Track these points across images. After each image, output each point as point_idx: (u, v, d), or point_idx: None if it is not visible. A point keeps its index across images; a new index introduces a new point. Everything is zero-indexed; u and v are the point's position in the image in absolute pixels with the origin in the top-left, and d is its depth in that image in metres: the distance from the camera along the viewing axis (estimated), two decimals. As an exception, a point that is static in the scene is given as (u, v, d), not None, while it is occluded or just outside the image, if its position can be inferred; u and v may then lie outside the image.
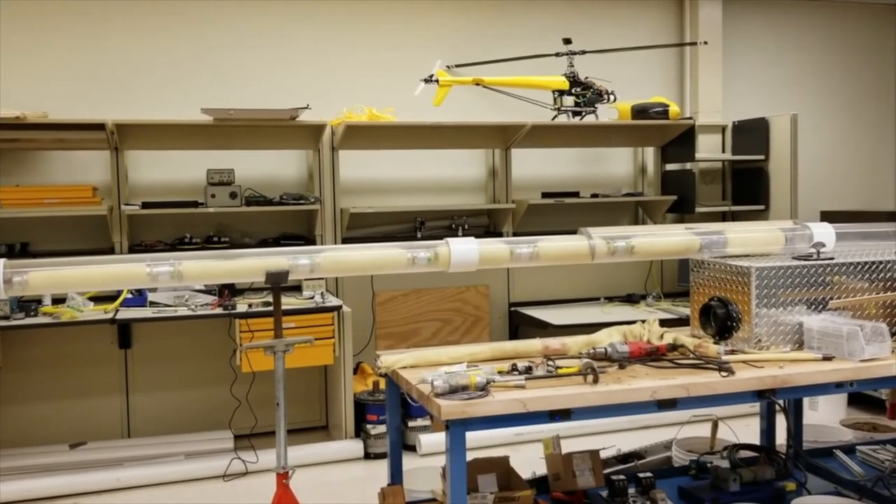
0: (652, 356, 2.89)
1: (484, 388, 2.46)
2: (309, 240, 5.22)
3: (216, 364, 4.98)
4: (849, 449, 3.85)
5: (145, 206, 4.86)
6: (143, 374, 5.03)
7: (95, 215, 4.81)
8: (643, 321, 3.24)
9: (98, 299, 4.63)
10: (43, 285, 2.66)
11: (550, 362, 2.73)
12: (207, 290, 4.79)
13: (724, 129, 6.25)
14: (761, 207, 6.00)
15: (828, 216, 5.95)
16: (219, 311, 4.56)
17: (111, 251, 4.84)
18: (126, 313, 4.55)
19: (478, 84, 5.24)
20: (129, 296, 4.65)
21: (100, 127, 4.70)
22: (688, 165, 5.93)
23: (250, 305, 4.60)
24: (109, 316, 4.46)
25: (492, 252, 2.98)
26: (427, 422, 4.81)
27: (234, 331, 4.48)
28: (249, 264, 2.80)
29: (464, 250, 2.92)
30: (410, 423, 4.78)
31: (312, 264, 2.83)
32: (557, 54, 5.48)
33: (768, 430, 3.80)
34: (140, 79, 5.10)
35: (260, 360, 4.22)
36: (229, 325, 4.67)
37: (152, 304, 4.68)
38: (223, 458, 4.47)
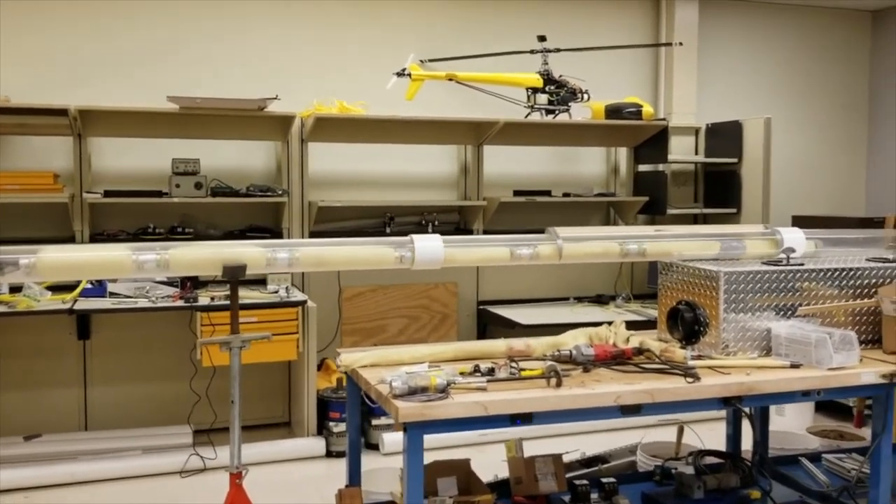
0: (617, 360, 2.84)
1: (444, 390, 2.40)
2: (276, 233, 5.13)
3: (176, 357, 4.87)
4: (815, 457, 3.83)
5: (108, 194, 4.74)
6: (102, 366, 4.91)
7: (56, 203, 4.68)
8: (610, 323, 3.19)
9: (56, 288, 4.50)
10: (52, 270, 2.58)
11: (514, 364, 2.67)
12: (169, 282, 4.68)
13: (697, 131, 6.24)
14: (733, 210, 6.00)
15: (799, 221, 5.96)
16: (180, 303, 4.46)
17: (72, 240, 4.72)
18: (85, 304, 4.43)
19: (451, 79, 5.18)
20: (89, 286, 4.52)
21: (63, 112, 4.56)
22: (660, 167, 5.91)
23: (212, 298, 4.51)
24: (68, 306, 4.34)
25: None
26: (391, 420, 4.72)
27: (196, 324, 4.38)
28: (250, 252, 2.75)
29: (432, 247, 2.86)
30: (374, 422, 4.72)
31: (300, 258, 2.77)
32: (532, 51, 5.43)
33: (734, 437, 3.77)
34: (105, 64, 4.97)
35: (220, 355, 4.09)
36: (190, 318, 4.56)
37: (112, 294, 4.56)
38: (181, 454, 4.38)
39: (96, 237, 4.80)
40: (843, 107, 6.84)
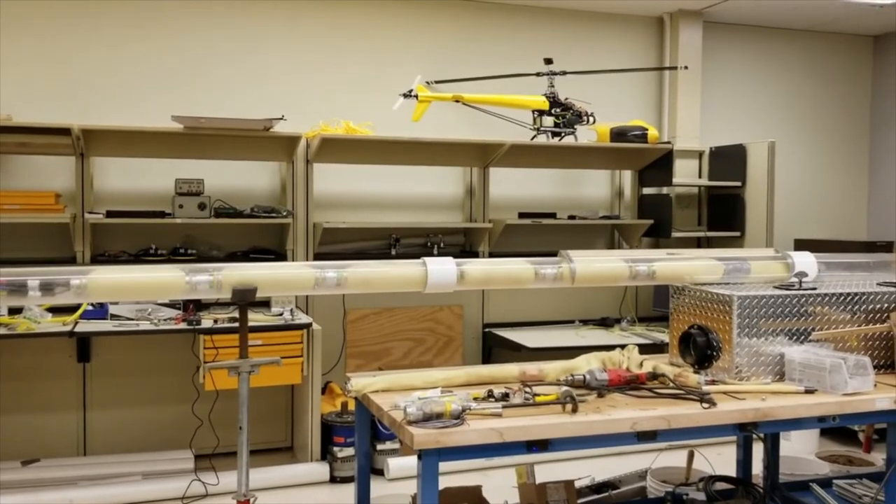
0: (631, 385, 2.80)
1: (459, 416, 2.36)
2: (280, 254, 5.09)
3: (178, 381, 4.81)
4: (825, 482, 3.79)
5: (110, 214, 4.70)
6: (102, 390, 4.85)
7: (57, 223, 4.64)
8: (622, 347, 3.16)
9: (56, 310, 4.45)
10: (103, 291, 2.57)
11: (528, 389, 2.63)
12: (172, 304, 4.63)
13: (701, 154, 6.23)
14: (737, 234, 5.99)
15: (802, 244, 5.96)
16: (183, 325, 4.41)
17: (73, 261, 4.67)
18: (85, 326, 4.37)
19: (457, 101, 5.17)
20: (90, 308, 4.48)
21: (66, 132, 4.53)
22: (664, 190, 5.90)
23: (216, 321, 4.46)
24: (68, 328, 4.28)
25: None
26: (396, 445, 4.68)
27: (199, 347, 4.32)
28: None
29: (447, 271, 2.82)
30: (379, 447, 4.65)
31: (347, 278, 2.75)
32: (538, 74, 5.43)
33: (744, 462, 3.73)
34: (109, 84, 4.95)
35: (224, 379, 4.07)
36: (193, 341, 4.51)
37: (113, 316, 4.51)
38: (182, 480, 4.31)
39: (97, 258, 4.75)
40: (845, 130, 6.86)
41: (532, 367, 2.94)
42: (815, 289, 3.06)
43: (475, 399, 2.53)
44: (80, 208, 4.71)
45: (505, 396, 2.57)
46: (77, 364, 4.79)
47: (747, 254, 3.35)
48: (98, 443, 4.81)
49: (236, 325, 2.85)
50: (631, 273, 3.05)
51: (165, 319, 4.48)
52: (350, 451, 4.51)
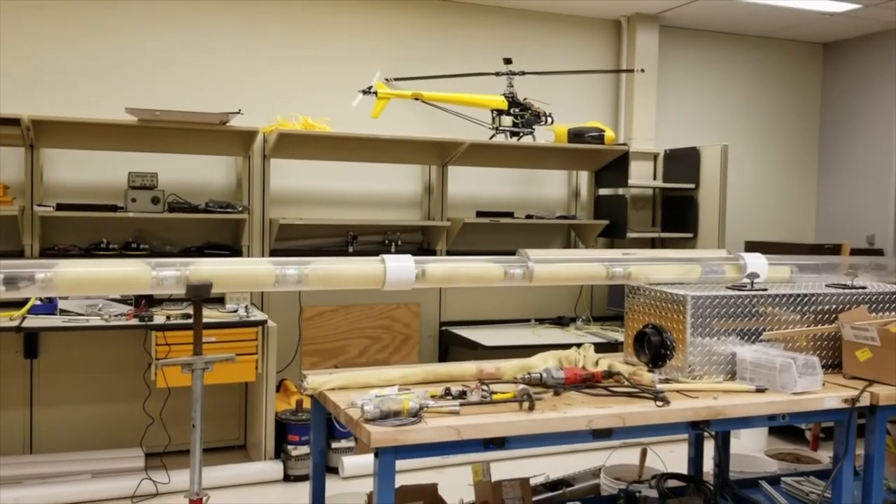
0: (587, 383, 2.82)
1: (417, 414, 2.35)
2: (235, 250, 5.02)
3: (129, 378, 4.72)
4: (774, 480, 3.87)
5: (60, 207, 4.59)
6: (50, 387, 4.73)
7: (5, 215, 4.51)
8: (578, 346, 3.19)
9: (3, 305, 4.33)
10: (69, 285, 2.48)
11: (485, 387, 2.64)
12: (123, 300, 4.54)
13: (656, 156, 6.32)
14: (690, 235, 6.09)
15: (752, 246, 6.08)
16: (134, 322, 4.32)
17: (21, 254, 4.55)
18: (33, 321, 4.26)
19: (417, 99, 5.16)
20: (38, 302, 4.37)
21: (14, 122, 4.41)
22: (620, 191, 5.97)
23: (168, 317, 4.38)
24: (15, 323, 4.17)
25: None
26: (351, 443, 4.66)
27: (150, 344, 4.25)
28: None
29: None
30: (333, 445, 4.63)
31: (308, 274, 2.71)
32: (497, 73, 5.45)
33: (696, 459, 3.79)
34: (62, 74, 4.83)
35: (176, 376, 4.00)
36: (145, 338, 4.42)
37: (63, 311, 4.41)
38: (133, 479, 4.23)
39: (46, 252, 4.64)
40: (795, 135, 7.02)
41: (489, 366, 2.95)
42: (766, 289, 3.12)
43: (432, 397, 2.52)
44: (30, 200, 4.60)
45: (462, 394, 2.57)
46: (24, 360, 4.66)
47: (700, 255, 3.41)
48: (45, 441, 4.70)
49: (190, 321, 2.82)
50: (608, 274, 3.12)
51: (116, 315, 4.40)
52: (304, 450, 4.47)
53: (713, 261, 3.31)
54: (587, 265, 3.11)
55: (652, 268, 3.17)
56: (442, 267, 2.92)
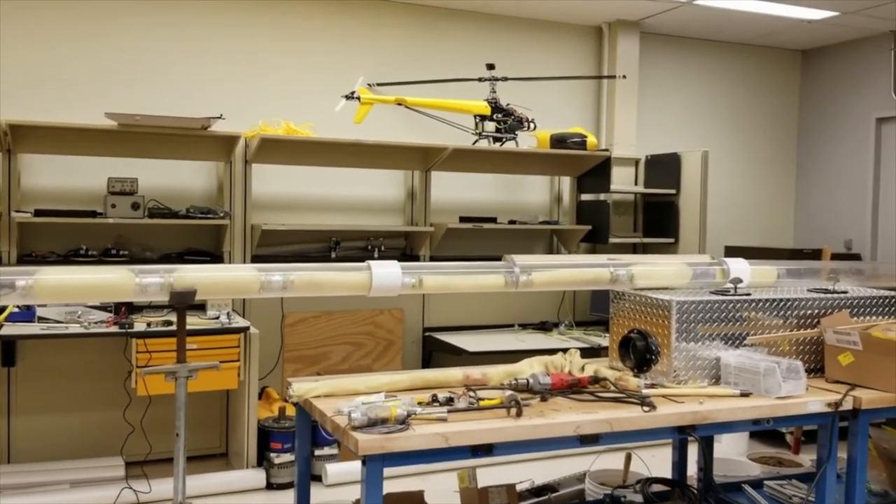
0: (574, 388, 2.82)
1: (404, 422, 2.34)
2: (216, 256, 4.98)
3: (109, 386, 4.66)
4: (757, 484, 3.89)
5: (38, 213, 4.52)
6: (28, 395, 4.66)
7: (-19, 222, 4.45)
8: (564, 351, 3.19)
9: (-21, 313, 4.27)
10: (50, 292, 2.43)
11: (472, 393, 2.63)
12: (103, 307, 4.48)
13: (637, 162, 6.35)
14: (671, 240, 6.12)
15: (732, 251, 6.12)
16: (114, 329, 4.27)
17: (-3, 261, 4.49)
18: (11, 329, 4.20)
19: (400, 104, 5.15)
20: (16, 310, 4.30)
21: (-9, 126, 4.36)
22: (602, 196, 5.99)
23: (149, 324, 4.33)
24: (-8, 331, 4.11)
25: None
26: (334, 451, 4.63)
27: (131, 351, 4.19)
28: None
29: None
30: (317, 452, 4.59)
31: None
32: (480, 79, 5.46)
33: (680, 464, 3.80)
34: (40, 78, 4.77)
35: (157, 384, 3.93)
36: (125, 345, 4.37)
37: (41, 319, 4.35)
38: (113, 488, 4.16)
39: (24, 258, 4.57)
40: (774, 141, 7.09)
41: (475, 372, 2.94)
42: (749, 294, 3.14)
43: (420, 404, 2.51)
44: (7, 206, 4.53)
45: (450, 401, 2.56)
46: (1, 368, 4.59)
47: (684, 259, 3.43)
48: (23, 450, 4.63)
49: (171, 328, 2.79)
50: (612, 277, 3.15)
51: (96, 322, 4.34)
52: (287, 457, 4.44)
53: (702, 265, 3.33)
54: (590, 270, 3.12)
55: (653, 269, 3.18)
56: (438, 279, 2.91)
